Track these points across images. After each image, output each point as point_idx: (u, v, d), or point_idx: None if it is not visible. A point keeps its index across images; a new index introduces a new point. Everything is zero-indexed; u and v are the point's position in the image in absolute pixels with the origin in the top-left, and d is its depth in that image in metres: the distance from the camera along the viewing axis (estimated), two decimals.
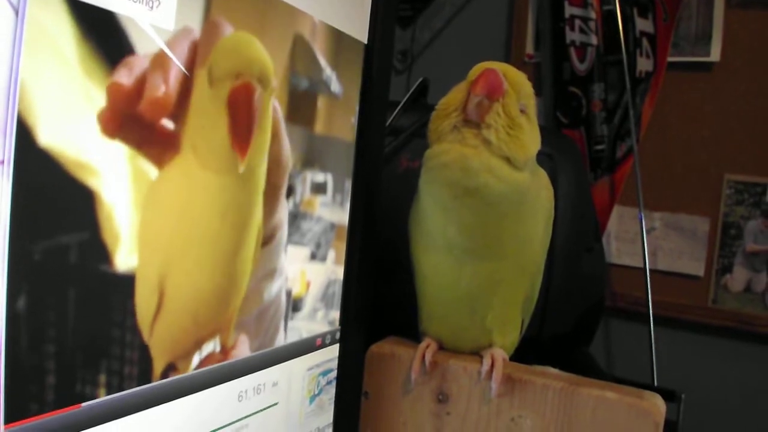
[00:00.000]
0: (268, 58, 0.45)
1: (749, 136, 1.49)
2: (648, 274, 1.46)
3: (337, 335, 0.59)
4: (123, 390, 0.37)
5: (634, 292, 1.56)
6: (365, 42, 0.57)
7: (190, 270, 0.42)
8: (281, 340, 0.52)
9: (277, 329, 0.52)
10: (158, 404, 0.40)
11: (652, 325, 1.44)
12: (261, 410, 0.50)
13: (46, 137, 0.31)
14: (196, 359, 0.43)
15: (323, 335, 0.57)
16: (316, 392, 0.57)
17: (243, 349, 0.47)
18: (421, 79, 0.86)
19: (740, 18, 1.50)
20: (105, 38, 0.34)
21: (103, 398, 0.36)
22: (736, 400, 1.50)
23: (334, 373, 0.59)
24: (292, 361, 0.53)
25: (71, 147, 0.33)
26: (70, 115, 0.32)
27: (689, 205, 1.56)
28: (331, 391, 0.59)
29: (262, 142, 0.46)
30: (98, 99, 0.34)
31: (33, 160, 0.31)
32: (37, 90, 0.31)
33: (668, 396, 0.69)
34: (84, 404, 0.35)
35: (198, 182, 0.41)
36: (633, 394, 0.57)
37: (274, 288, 0.50)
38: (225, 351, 0.46)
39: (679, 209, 1.57)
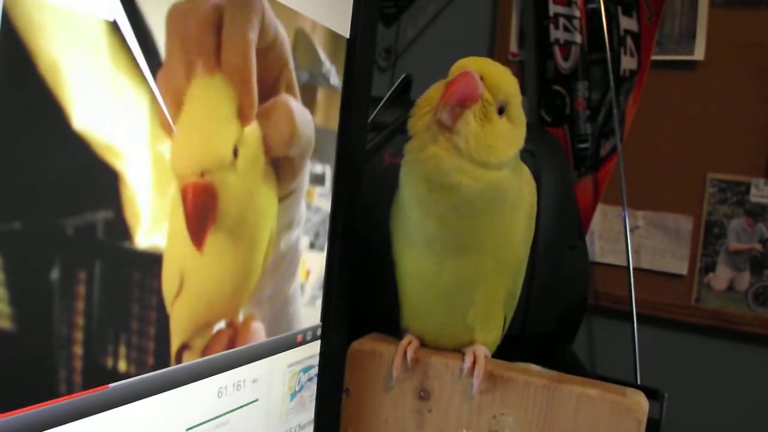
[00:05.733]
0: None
1: (733, 134, 1.50)
2: (631, 272, 1.46)
3: (318, 332, 0.59)
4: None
5: (618, 291, 1.57)
6: (347, 36, 0.56)
7: (205, 267, 0.44)
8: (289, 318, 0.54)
9: (291, 277, 0.53)
10: (135, 400, 0.39)
11: (635, 324, 1.44)
12: (241, 407, 0.50)
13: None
14: (215, 328, 0.46)
15: (304, 332, 0.56)
16: (297, 389, 0.57)
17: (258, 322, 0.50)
18: (404, 75, 0.86)
19: (724, 17, 1.50)
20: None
21: (76, 396, 0.35)
22: (718, 399, 1.51)
23: (315, 370, 0.59)
24: (272, 357, 0.52)
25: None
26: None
27: (673, 203, 1.56)
28: (312, 387, 0.59)
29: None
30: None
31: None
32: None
33: (651, 394, 0.69)
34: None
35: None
36: (615, 392, 0.56)
37: (293, 238, 0.52)
38: (234, 326, 0.48)
39: (663, 208, 1.57)
